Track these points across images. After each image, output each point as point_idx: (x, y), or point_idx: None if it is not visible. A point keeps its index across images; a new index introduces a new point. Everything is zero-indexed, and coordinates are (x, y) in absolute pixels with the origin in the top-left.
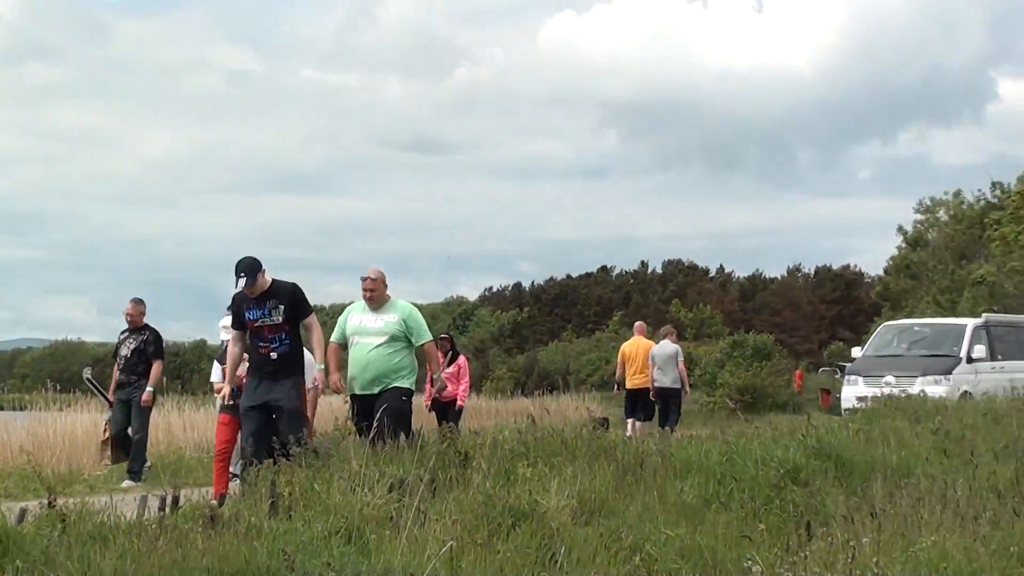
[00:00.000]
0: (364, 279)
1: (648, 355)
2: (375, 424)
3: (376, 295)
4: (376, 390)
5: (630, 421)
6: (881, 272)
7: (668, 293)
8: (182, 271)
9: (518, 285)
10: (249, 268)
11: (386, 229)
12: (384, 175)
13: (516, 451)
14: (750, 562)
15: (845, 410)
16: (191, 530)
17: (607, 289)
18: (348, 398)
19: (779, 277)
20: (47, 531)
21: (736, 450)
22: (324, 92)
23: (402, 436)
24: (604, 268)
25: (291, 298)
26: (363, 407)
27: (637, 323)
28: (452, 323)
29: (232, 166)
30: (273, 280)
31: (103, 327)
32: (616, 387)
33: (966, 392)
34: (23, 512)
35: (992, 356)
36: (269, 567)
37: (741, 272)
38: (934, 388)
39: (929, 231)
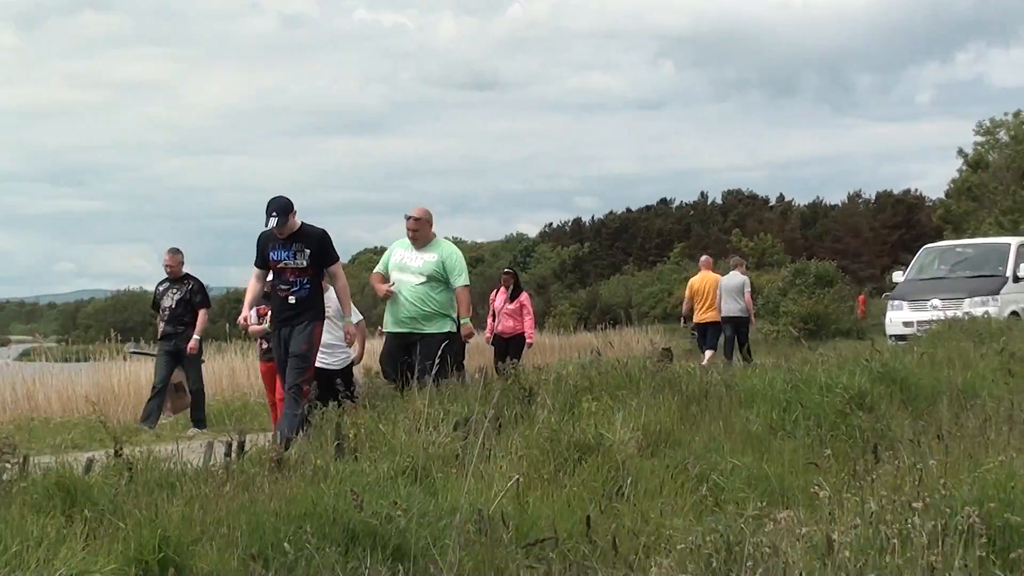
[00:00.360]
0: (408, 218)
1: (715, 288)
2: (415, 373)
3: (420, 234)
4: (411, 330)
5: (708, 352)
6: (942, 195)
7: (728, 223)
8: (243, 218)
9: (578, 220)
10: (281, 208)
11: (445, 168)
12: (441, 114)
13: (580, 386)
14: (817, 487)
15: (892, 336)
16: (258, 474)
17: (667, 222)
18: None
19: (840, 204)
20: (114, 480)
21: (801, 378)
22: (379, 33)
23: (457, 374)
24: (664, 201)
25: (319, 244)
26: (396, 345)
27: (703, 257)
28: (513, 260)
29: (289, 111)
30: (303, 223)
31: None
32: (683, 320)
33: (1015, 312)
34: (90, 462)
35: None
36: (336, 508)
37: (801, 200)
38: (981, 309)
39: (990, 152)
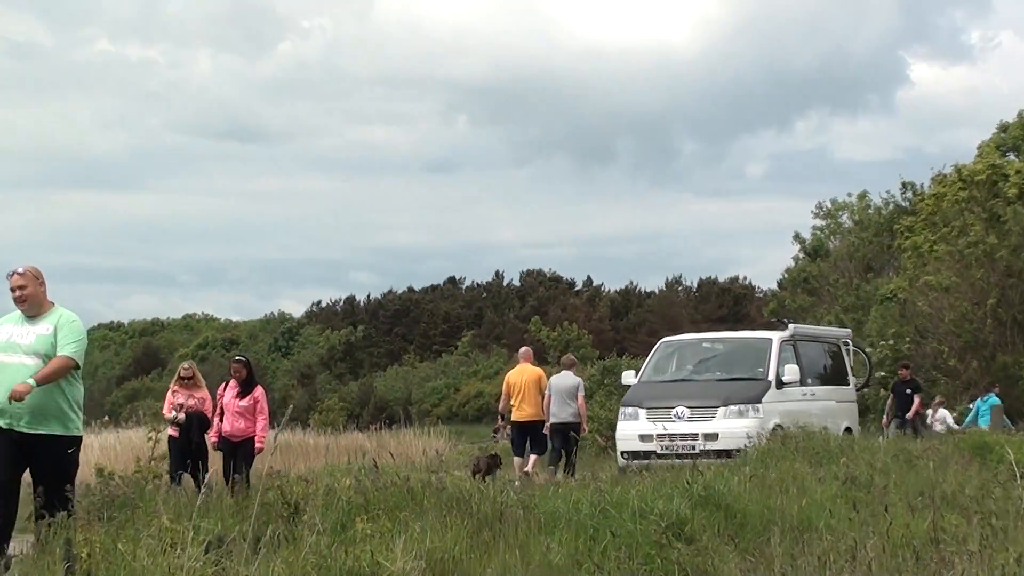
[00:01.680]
0: (11, 274)
1: (536, 384)
2: (35, 491)
3: (30, 297)
4: (30, 430)
5: (519, 459)
6: (775, 286)
7: (527, 309)
8: None
9: (351, 299)
10: None
11: (197, 232)
12: (194, 167)
13: (354, 502)
14: None
15: (624, 453)
16: None
17: (456, 304)
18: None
19: (657, 291)
20: None
21: (610, 500)
22: (124, 69)
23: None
24: (452, 280)
25: None
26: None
27: (523, 349)
28: (273, 344)
29: (15, 155)
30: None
31: None
32: (500, 418)
33: (778, 426)
34: None
35: (803, 379)
36: None
37: (612, 285)
38: (739, 422)
39: (830, 239)
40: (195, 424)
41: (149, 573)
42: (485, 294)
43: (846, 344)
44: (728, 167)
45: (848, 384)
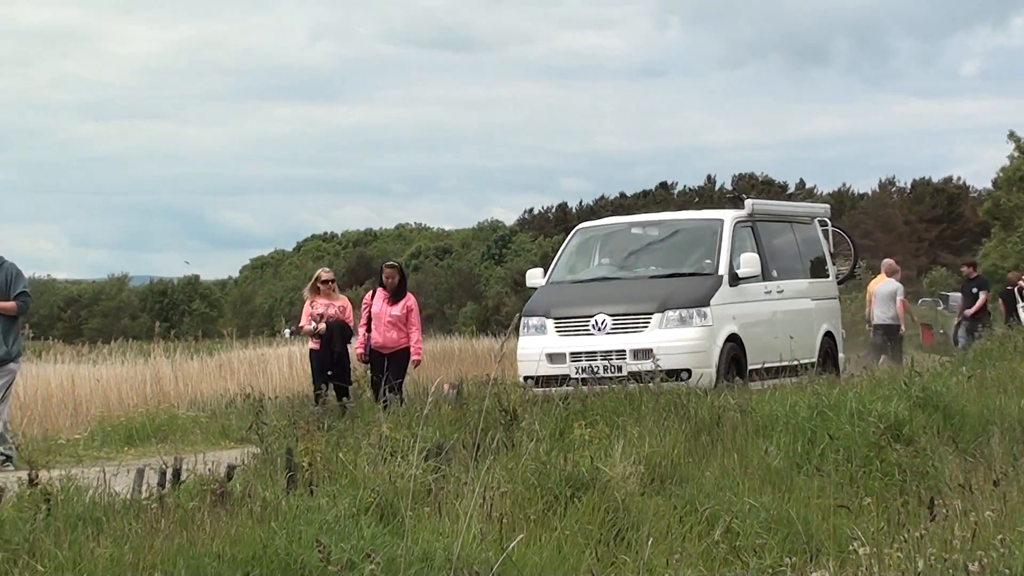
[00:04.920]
0: None
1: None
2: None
3: None
4: None
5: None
6: (990, 185)
7: None
8: (167, 194)
9: (563, 206)
10: None
11: (407, 141)
12: (404, 77)
13: (572, 408)
14: (855, 541)
15: (526, 379)
16: (197, 509)
17: (668, 209)
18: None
19: (870, 192)
20: (30, 514)
21: (827, 403)
22: None
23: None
24: (664, 185)
25: None
26: None
27: (886, 260)
28: (486, 251)
29: (224, 69)
30: None
31: (76, 261)
32: (867, 323)
33: (733, 336)
34: (0, 492)
35: (765, 272)
36: (290, 552)
37: (825, 187)
38: (680, 333)
39: None
40: (336, 334)
41: (370, 481)
42: (697, 199)
43: (824, 225)
44: (942, 66)
45: (827, 276)
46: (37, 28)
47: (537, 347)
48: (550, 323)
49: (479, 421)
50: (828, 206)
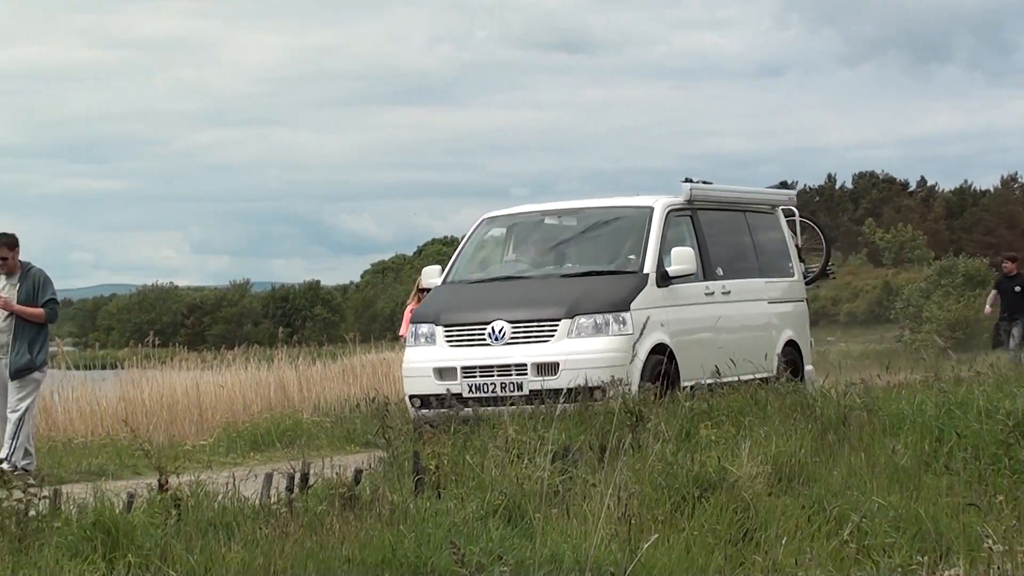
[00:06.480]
0: None
1: None
2: None
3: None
4: None
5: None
6: None
7: (860, 212)
8: (286, 200)
9: None
10: None
11: (524, 144)
12: (521, 81)
13: (697, 410)
14: (987, 539)
15: (412, 398)
16: (326, 513)
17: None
18: None
19: (992, 189)
20: (161, 519)
21: (955, 401)
22: None
23: None
24: (784, 184)
25: None
26: None
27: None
28: None
29: (342, 76)
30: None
31: (198, 268)
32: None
33: (663, 346)
34: (131, 497)
35: (707, 271)
36: (419, 555)
37: (946, 185)
38: (593, 344)
39: None
40: None
41: (498, 483)
42: (818, 198)
43: (789, 213)
44: None
45: (792, 275)
46: (157, 38)
47: (425, 360)
48: (439, 331)
49: (605, 424)
50: (794, 192)
